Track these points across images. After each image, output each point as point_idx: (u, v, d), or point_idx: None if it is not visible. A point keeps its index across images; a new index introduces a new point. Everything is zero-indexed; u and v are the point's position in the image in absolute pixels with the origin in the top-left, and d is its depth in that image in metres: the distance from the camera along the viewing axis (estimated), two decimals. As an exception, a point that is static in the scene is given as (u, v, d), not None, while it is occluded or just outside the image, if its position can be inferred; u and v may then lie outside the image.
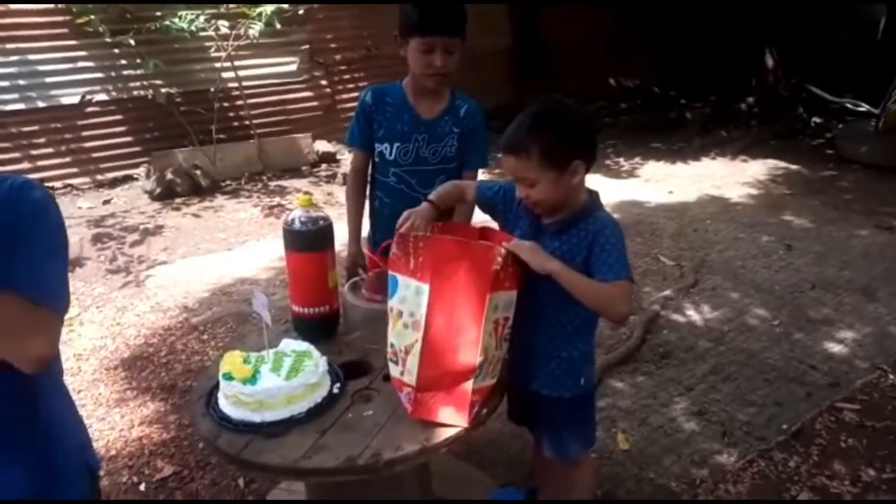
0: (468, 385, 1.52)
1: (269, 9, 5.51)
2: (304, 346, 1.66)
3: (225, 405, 1.56)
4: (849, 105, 7.22)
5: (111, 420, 2.81)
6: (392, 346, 1.60)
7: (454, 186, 1.88)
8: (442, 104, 2.13)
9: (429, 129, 2.11)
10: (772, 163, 6.40)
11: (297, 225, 1.77)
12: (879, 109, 6.33)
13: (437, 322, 1.52)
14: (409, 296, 1.55)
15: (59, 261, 1.24)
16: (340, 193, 5.25)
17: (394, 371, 1.61)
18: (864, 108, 6.91)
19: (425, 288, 1.51)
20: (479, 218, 1.96)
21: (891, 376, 2.96)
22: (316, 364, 1.60)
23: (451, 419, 1.53)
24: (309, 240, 1.77)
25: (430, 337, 1.52)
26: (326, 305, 1.84)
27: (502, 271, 1.51)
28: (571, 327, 1.71)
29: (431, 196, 1.79)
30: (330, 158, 6.48)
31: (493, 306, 1.52)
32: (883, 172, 5.89)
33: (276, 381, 1.53)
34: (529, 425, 1.99)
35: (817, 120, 7.65)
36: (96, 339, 3.44)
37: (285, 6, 5.72)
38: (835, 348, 3.20)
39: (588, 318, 1.73)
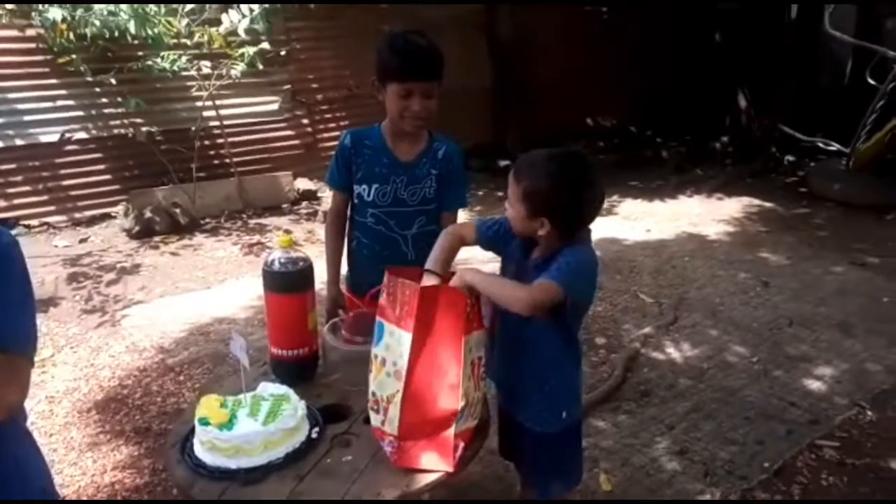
0: (451, 430, 1.51)
1: (251, 49, 5.56)
2: (282, 389, 1.64)
3: (200, 451, 1.53)
4: (820, 144, 7.38)
5: (83, 465, 2.74)
6: (373, 394, 1.59)
7: (450, 238, 1.80)
8: (420, 146, 2.14)
9: (407, 171, 2.12)
10: (747, 200, 6.51)
11: (276, 266, 1.76)
12: (850, 148, 6.48)
13: (418, 370, 1.51)
14: (393, 343, 1.54)
15: (27, 306, 1.27)
16: (321, 231, 5.24)
17: (374, 420, 1.59)
18: (835, 147, 7.07)
19: (407, 337, 1.51)
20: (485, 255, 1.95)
21: (869, 413, 2.99)
22: (294, 408, 1.57)
23: (436, 465, 1.52)
24: (288, 281, 1.76)
25: (411, 386, 1.51)
26: (305, 347, 1.82)
27: (471, 311, 1.54)
28: (548, 359, 1.71)
29: (431, 265, 1.71)
30: (311, 196, 6.49)
31: (469, 348, 1.53)
32: (855, 210, 6.01)
33: (253, 426, 1.51)
34: (516, 461, 1.98)
35: (790, 158, 7.81)
36: (69, 380, 3.37)
37: (267, 46, 5.77)
38: (813, 385, 3.22)
39: (565, 351, 1.73)
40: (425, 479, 1.49)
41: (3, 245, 1.23)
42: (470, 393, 1.55)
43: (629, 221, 5.96)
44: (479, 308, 1.59)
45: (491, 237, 1.82)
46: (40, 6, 5.01)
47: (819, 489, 2.52)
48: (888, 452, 2.71)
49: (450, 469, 1.51)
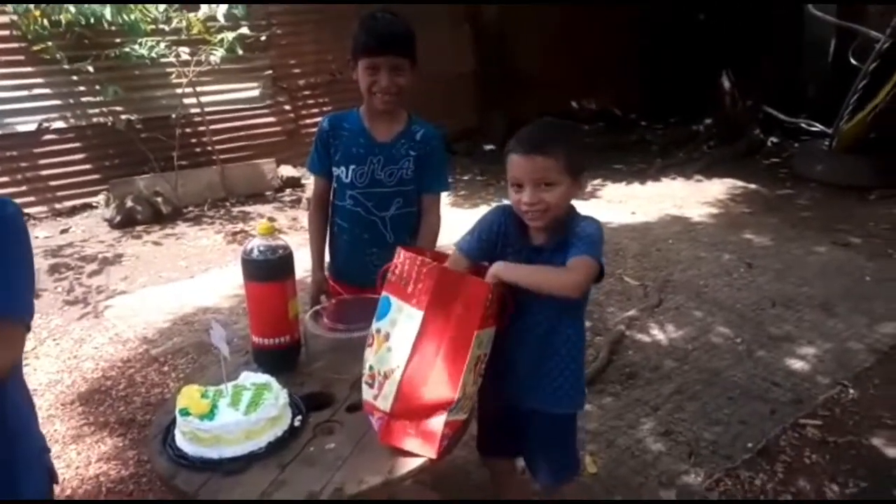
0: (441, 418, 1.50)
1: (230, 35, 5.48)
2: (263, 378, 1.63)
3: (182, 442, 1.52)
4: (803, 125, 7.41)
5: (67, 458, 2.71)
6: (370, 368, 1.57)
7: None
8: (398, 127, 2.13)
9: (384, 151, 2.11)
10: (730, 182, 6.53)
11: (255, 254, 1.74)
12: (832, 129, 6.51)
13: (422, 351, 1.50)
14: (400, 319, 1.53)
15: (30, 274, 1.35)
16: (305, 218, 5.20)
17: (367, 394, 1.58)
18: (818, 127, 7.10)
19: (419, 315, 1.50)
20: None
21: (851, 391, 3.02)
22: (276, 397, 1.56)
23: (420, 450, 1.51)
24: (268, 269, 1.74)
25: (412, 365, 1.50)
26: (287, 336, 1.80)
27: (490, 308, 1.52)
28: (574, 339, 1.74)
29: (463, 251, 1.75)
30: (294, 183, 6.44)
31: (479, 342, 1.52)
32: (838, 190, 6.04)
33: (234, 415, 1.49)
34: (502, 455, 1.98)
35: (774, 140, 7.84)
36: (52, 373, 3.34)
37: (247, 31, 5.70)
38: (796, 365, 3.25)
39: (582, 326, 1.76)
40: (408, 465, 1.48)
41: (9, 214, 1.30)
42: (468, 387, 1.54)
43: (613, 204, 5.97)
44: (497, 306, 1.57)
45: (478, 250, 1.74)
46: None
47: (802, 467, 2.54)
48: (869, 430, 2.74)
49: (433, 456, 1.50)
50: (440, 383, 1.50)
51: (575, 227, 1.64)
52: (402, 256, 1.60)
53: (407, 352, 1.50)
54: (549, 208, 1.62)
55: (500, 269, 1.60)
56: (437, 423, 1.50)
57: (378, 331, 1.58)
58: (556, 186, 1.61)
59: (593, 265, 1.57)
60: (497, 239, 1.72)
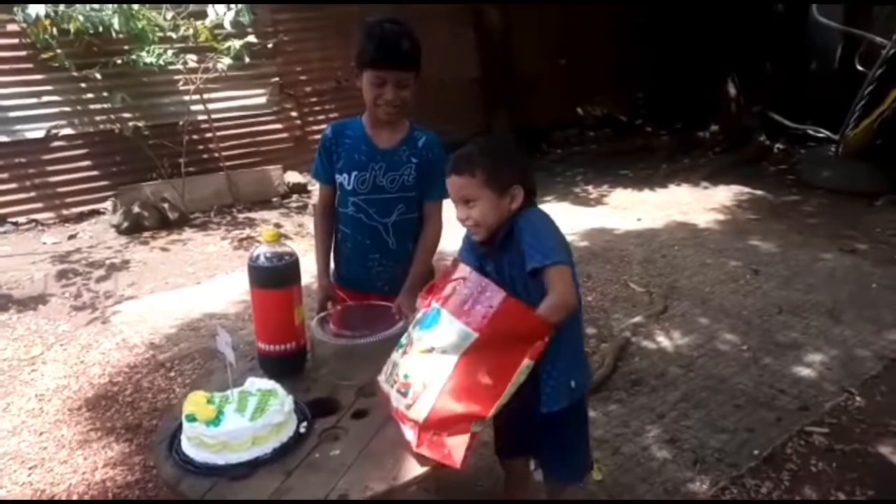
0: (468, 433, 1.50)
1: (237, 42, 5.52)
2: (269, 384, 1.64)
3: (188, 447, 1.53)
4: (809, 131, 7.39)
5: (74, 463, 2.73)
6: (406, 377, 1.56)
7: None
8: (400, 134, 2.14)
9: (386, 157, 2.13)
10: (737, 189, 6.52)
11: (261, 261, 1.75)
12: (839, 135, 6.49)
13: (468, 370, 1.50)
14: (450, 335, 1.53)
15: None
16: (311, 225, 5.22)
17: (398, 402, 1.56)
18: (824, 134, 7.08)
19: (473, 336, 1.51)
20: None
21: (858, 399, 3.00)
22: (282, 403, 1.57)
23: (446, 459, 1.50)
24: (274, 276, 1.76)
25: (454, 381, 1.50)
26: (293, 342, 1.81)
27: (542, 344, 1.55)
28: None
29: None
30: (301, 189, 6.46)
31: (523, 370, 1.54)
32: (844, 196, 6.02)
33: (240, 421, 1.50)
34: (518, 454, 2.01)
35: (779, 146, 7.83)
36: (59, 378, 3.35)
37: (253, 39, 5.73)
38: (803, 372, 3.24)
39: (568, 323, 1.72)
40: (413, 472, 1.49)
41: None
42: (500, 409, 1.54)
43: (619, 211, 5.97)
44: (546, 343, 1.57)
45: (470, 255, 1.81)
46: None
47: (808, 475, 2.53)
48: (876, 438, 2.73)
49: (458, 466, 1.50)
50: (477, 399, 1.50)
51: (518, 228, 1.68)
52: (467, 273, 1.61)
53: (451, 368, 1.50)
54: (479, 223, 1.71)
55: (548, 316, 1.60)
56: (466, 435, 1.50)
57: (419, 339, 1.57)
58: (477, 202, 1.69)
59: (560, 270, 1.61)
60: (475, 250, 1.80)
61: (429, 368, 1.53)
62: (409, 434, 1.53)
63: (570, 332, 1.77)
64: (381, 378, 1.65)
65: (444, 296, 1.60)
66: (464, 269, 1.64)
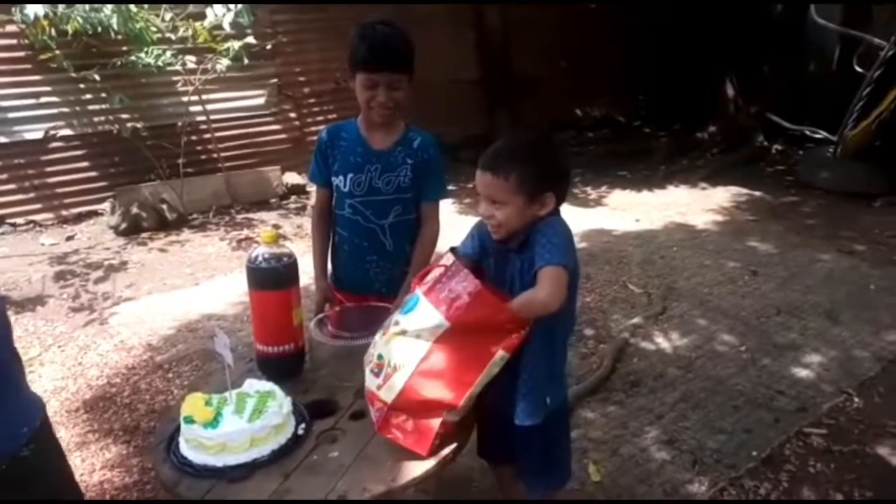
0: (438, 419, 1.52)
1: (236, 44, 5.52)
2: (267, 386, 1.63)
3: (186, 449, 1.52)
4: (807, 132, 7.41)
5: (71, 464, 2.71)
6: (380, 357, 1.57)
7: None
8: (395, 135, 2.14)
9: (381, 159, 2.12)
10: (735, 190, 6.53)
11: (260, 262, 1.75)
12: (837, 136, 6.50)
13: (440, 354, 1.52)
14: (425, 320, 1.53)
15: None
16: (310, 225, 5.23)
17: (371, 383, 1.58)
18: (822, 135, 7.09)
19: (445, 324, 1.51)
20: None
21: (856, 400, 3.00)
22: (280, 405, 1.57)
23: (413, 446, 1.52)
24: (272, 277, 1.75)
25: (426, 364, 1.51)
26: (291, 343, 1.81)
27: (517, 335, 1.55)
28: (528, 349, 1.68)
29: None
30: (299, 190, 6.46)
31: (497, 361, 1.54)
32: (842, 197, 6.03)
33: (238, 423, 1.50)
34: (504, 461, 1.98)
35: (778, 147, 7.83)
36: (57, 379, 3.35)
37: (252, 40, 5.73)
38: (801, 373, 3.24)
39: (542, 337, 1.69)
40: (411, 473, 1.48)
41: None
42: (472, 400, 1.56)
43: (618, 212, 5.97)
44: (523, 336, 1.58)
45: (474, 250, 1.78)
46: None
47: (807, 476, 2.53)
48: (874, 439, 2.73)
49: (424, 454, 1.51)
50: (448, 387, 1.52)
51: (537, 230, 1.65)
52: (449, 261, 1.60)
53: (424, 351, 1.51)
54: (501, 224, 1.67)
55: (512, 305, 1.59)
56: (434, 422, 1.52)
57: (397, 323, 1.58)
58: (505, 206, 1.64)
59: (558, 272, 1.56)
60: (482, 242, 1.77)
61: (402, 351, 1.54)
62: (374, 416, 1.55)
63: (551, 350, 1.74)
64: (364, 360, 1.65)
65: (426, 281, 1.61)
66: (448, 257, 1.62)
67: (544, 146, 1.77)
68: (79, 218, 5.71)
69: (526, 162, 1.64)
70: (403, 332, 1.55)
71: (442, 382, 1.52)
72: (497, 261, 1.73)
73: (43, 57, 5.24)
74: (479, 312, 1.52)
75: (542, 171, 1.66)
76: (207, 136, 6.10)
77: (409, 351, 1.53)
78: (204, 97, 5.84)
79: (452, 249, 1.73)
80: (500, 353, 1.53)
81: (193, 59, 5.56)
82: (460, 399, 1.52)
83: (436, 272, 1.60)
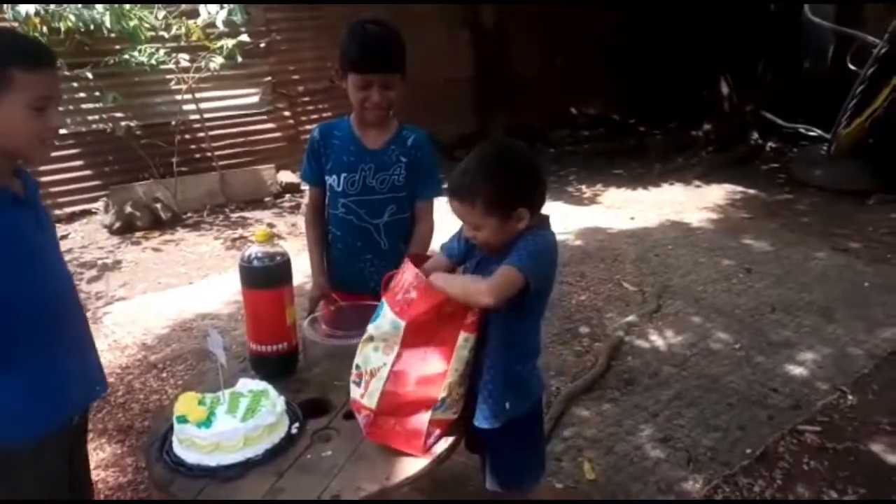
0: (426, 416, 1.54)
1: (230, 42, 5.50)
2: (261, 385, 1.63)
3: (179, 449, 1.52)
4: (802, 130, 7.43)
5: (65, 465, 2.71)
6: (357, 367, 1.59)
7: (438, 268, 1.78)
8: (388, 134, 2.13)
9: (375, 158, 2.11)
10: (729, 187, 6.54)
11: (253, 261, 1.75)
12: (831, 134, 6.52)
13: (409, 353, 1.53)
14: (386, 325, 1.55)
15: None
16: (304, 224, 5.22)
17: (354, 393, 1.60)
18: (816, 132, 7.12)
19: (402, 323, 1.52)
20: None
21: (850, 397, 3.01)
22: (273, 404, 1.56)
23: (406, 446, 1.54)
24: (266, 276, 1.75)
25: (399, 364, 1.53)
26: (284, 343, 1.81)
27: (474, 316, 1.57)
28: (488, 352, 1.67)
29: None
30: (294, 189, 6.44)
31: (463, 346, 1.56)
32: (836, 195, 6.05)
33: (231, 422, 1.50)
34: (478, 451, 1.97)
35: (772, 145, 7.85)
36: (50, 379, 3.33)
37: (246, 38, 5.71)
38: (795, 370, 3.25)
39: (503, 344, 1.66)
40: (405, 472, 1.48)
41: None
42: (454, 388, 1.58)
43: (613, 210, 5.98)
44: (478, 314, 1.58)
45: (461, 251, 1.77)
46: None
47: (801, 473, 2.54)
48: (868, 436, 2.74)
49: (419, 453, 1.53)
50: (426, 382, 1.54)
51: (521, 238, 1.61)
52: (404, 266, 1.62)
53: (394, 354, 1.53)
54: (485, 243, 1.65)
55: (432, 279, 1.58)
56: (422, 420, 1.54)
57: (367, 331, 1.60)
58: (482, 228, 1.62)
59: (513, 274, 1.52)
60: (469, 243, 1.74)
61: (374, 358, 1.56)
62: (363, 423, 1.56)
63: (511, 358, 1.69)
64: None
65: (390, 287, 1.63)
66: (405, 262, 1.63)
67: (509, 158, 1.65)
68: (72, 217, 5.68)
69: (490, 182, 1.58)
70: (372, 339, 1.58)
71: (419, 380, 1.54)
72: (480, 262, 1.70)
73: (35, 55, 5.20)
74: (429, 304, 1.52)
75: (509, 189, 1.59)
76: (201, 134, 6.08)
77: (381, 356, 1.55)
78: (198, 95, 5.82)
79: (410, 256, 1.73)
80: (462, 336, 1.56)
81: (187, 57, 5.54)
82: (439, 391, 1.54)
83: (397, 277, 1.62)
